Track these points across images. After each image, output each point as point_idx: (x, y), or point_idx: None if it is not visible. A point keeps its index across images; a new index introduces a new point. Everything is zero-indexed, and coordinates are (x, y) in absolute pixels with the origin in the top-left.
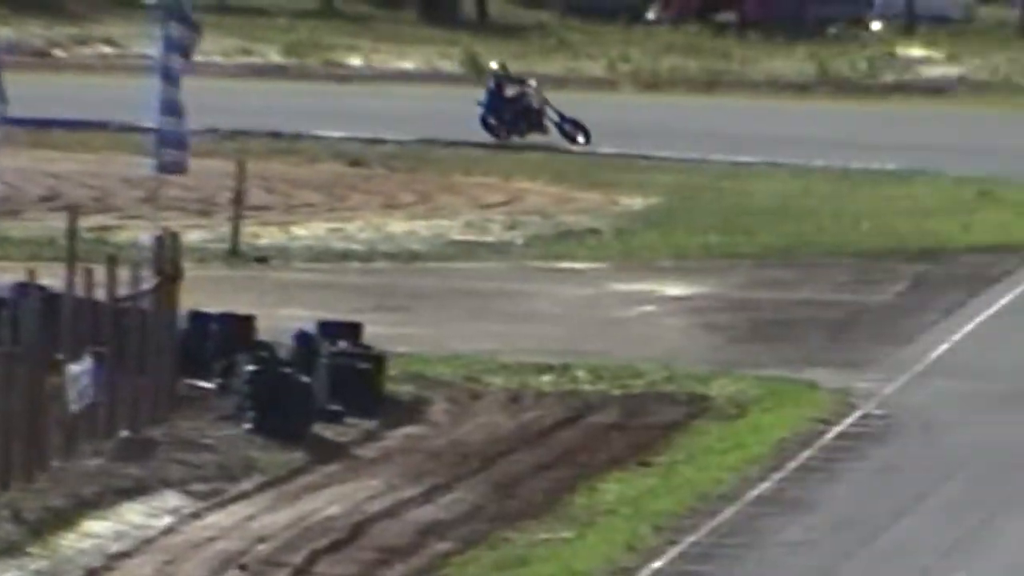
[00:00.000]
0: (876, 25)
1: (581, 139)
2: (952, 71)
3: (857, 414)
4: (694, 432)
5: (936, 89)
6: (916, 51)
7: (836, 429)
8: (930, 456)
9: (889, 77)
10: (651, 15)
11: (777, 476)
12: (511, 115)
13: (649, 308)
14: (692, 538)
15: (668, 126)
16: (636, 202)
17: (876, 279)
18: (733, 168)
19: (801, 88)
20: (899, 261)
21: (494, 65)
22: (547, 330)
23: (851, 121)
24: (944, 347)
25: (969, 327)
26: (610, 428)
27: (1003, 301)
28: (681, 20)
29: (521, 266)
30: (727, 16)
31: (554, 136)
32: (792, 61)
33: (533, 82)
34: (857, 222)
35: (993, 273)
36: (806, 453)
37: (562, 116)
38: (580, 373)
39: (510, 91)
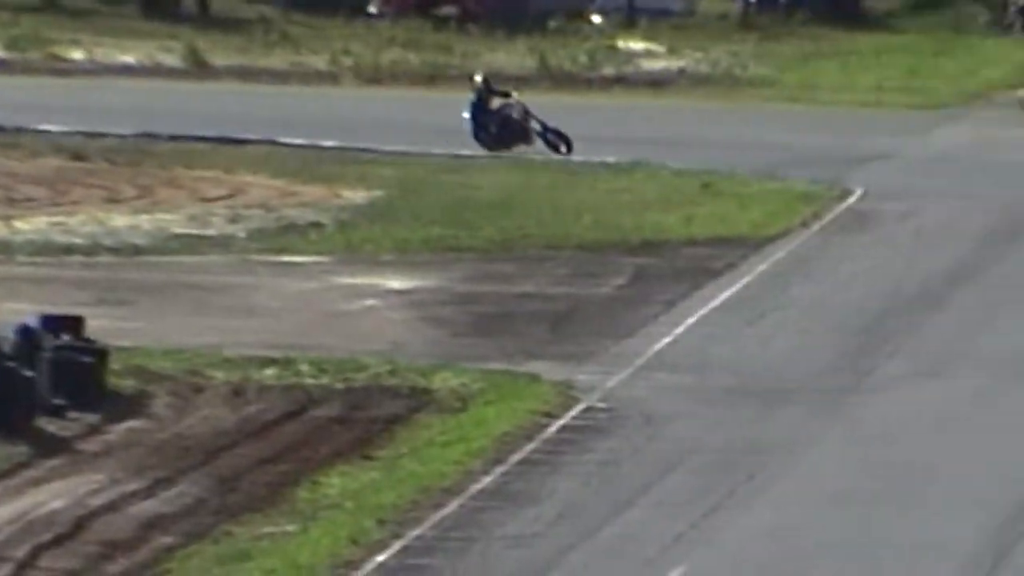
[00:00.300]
0: (597, 18)
1: (563, 149)
2: (673, 64)
3: (580, 407)
4: (417, 425)
5: (657, 82)
6: (637, 44)
7: (559, 422)
8: (652, 449)
9: (610, 70)
10: (372, 9)
11: (500, 469)
12: (497, 127)
13: (372, 302)
14: (416, 531)
15: (390, 120)
16: (359, 196)
17: (597, 272)
18: (455, 161)
19: (522, 81)
20: (620, 254)
21: (477, 78)
22: (270, 324)
23: (572, 114)
24: (666, 340)
25: (691, 320)
26: (333, 422)
27: (725, 294)
28: (402, 14)
29: (244, 260)
30: (448, 10)
31: (538, 146)
32: (513, 55)
33: (515, 93)
34: (578, 215)
35: (715, 266)
36: (529, 446)
37: (545, 126)
38: (303, 367)
39: (494, 103)
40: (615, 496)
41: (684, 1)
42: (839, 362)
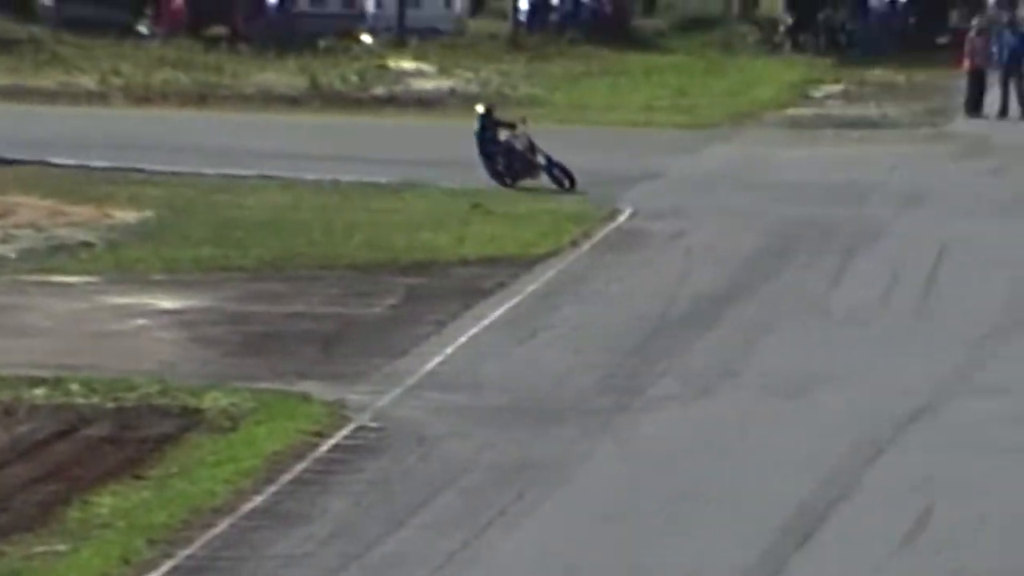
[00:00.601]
0: (367, 38)
1: (567, 184)
2: (443, 84)
3: (351, 426)
4: (188, 445)
5: (428, 102)
6: (407, 64)
7: (330, 442)
8: (424, 469)
9: (380, 90)
10: (143, 29)
11: (271, 489)
12: (505, 159)
13: (143, 321)
14: (187, 551)
15: (161, 139)
16: (129, 216)
17: (369, 292)
18: (226, 181)
19: (292, 101)
20: (392, 274)
21: (479, 108)
22: (40, 343)
23: (342, 134)
24: (438, 360)
25: (462, 339)
26: (104, 441)
27: (496, 313)
28: (173, 34)
29: (14, 280)
30: (218, 30)
31: (544, 181)
32: (283, 74)
33: (522, 125)
34: (349, 235)
35: (486, 286)
36: (300, 466)
37: (549, 160)
38: (73, 386)
39: (502, 135)
40: (386, 515)
41: (454, 21)
42: (610, 381)
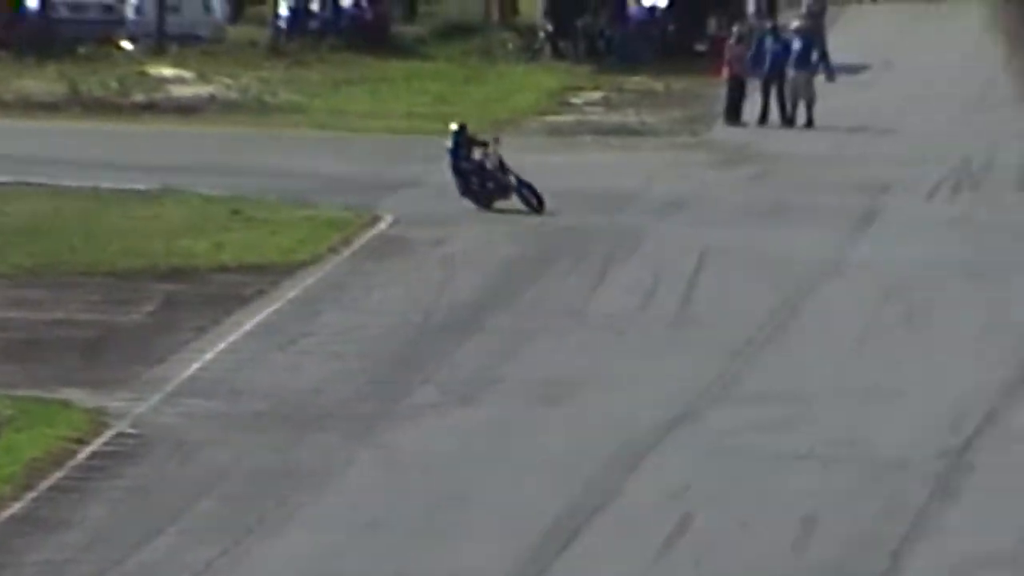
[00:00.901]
0: (127, 44)
1: (535, 203)
2: (203, 90)
3: (110, 433)
4: None
5: (187, 108)
6: (167, 70)
7: (89, 448)
8: (184, 475)
9: (140, 96)
10: None
11: (29, 496)
12: (478, 178)
13: None
14: None
15: None
16: None
17: (128, 299)
18: None
19: (52, 107)
20: (150, 281)
21: (453, 126)
22: None
23: (102, 141)
24: (196, 366)
25: (222, 346)
26: None
27: (256, 320)
28: None
29: None
30: None
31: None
32: (43, 80)
33: (494, 144)
34: (108, 242)
35: (246, 292)
36: (58, 473)
37: (519, 180)
38: None
39: (476, 154)
40: (146, 523)
41: (214, 27)
42: (371, 388)
